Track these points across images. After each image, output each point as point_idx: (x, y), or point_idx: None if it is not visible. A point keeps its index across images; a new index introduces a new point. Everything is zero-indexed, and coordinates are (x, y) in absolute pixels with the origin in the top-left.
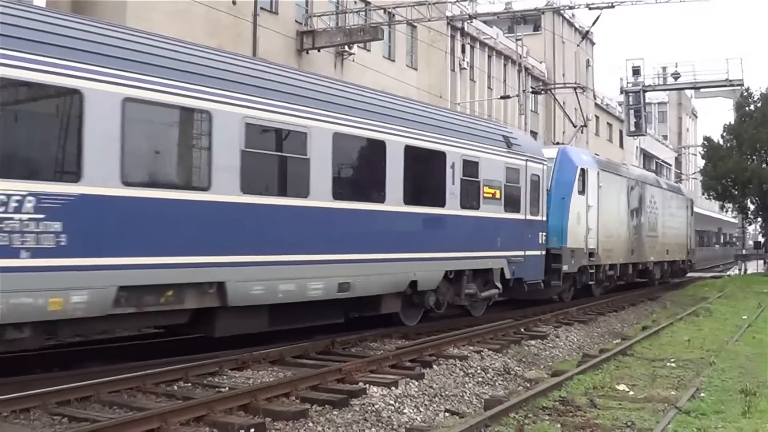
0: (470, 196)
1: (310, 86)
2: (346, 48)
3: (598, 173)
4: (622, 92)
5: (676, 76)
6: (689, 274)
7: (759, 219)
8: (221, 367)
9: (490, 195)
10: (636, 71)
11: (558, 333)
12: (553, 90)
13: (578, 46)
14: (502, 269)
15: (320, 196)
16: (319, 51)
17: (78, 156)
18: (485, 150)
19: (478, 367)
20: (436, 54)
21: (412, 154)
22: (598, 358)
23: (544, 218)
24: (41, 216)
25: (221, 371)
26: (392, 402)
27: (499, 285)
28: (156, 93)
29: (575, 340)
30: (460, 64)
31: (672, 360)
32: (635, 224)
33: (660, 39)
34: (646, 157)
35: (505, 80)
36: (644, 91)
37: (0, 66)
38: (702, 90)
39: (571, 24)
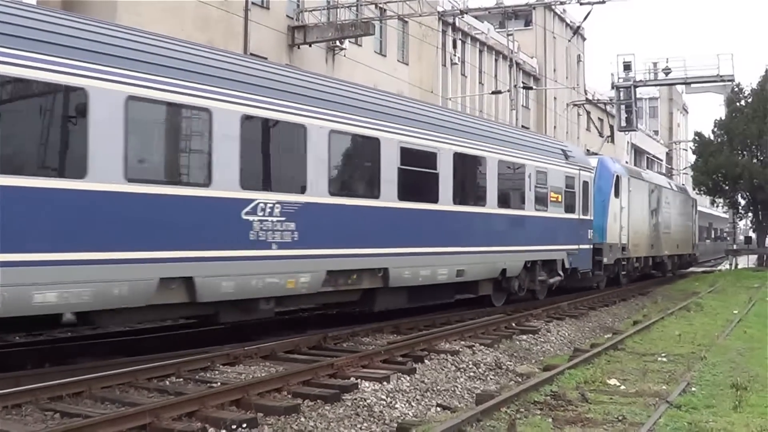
0: (541, 200)
1: (439, 116)
2: (338, 43)
3: (628, 179)
4: (613, 87)
5: (667, 71)
6: (691, 269)
7: (749, 214)
8: (213, 363)
9: (555, 199)
10: (627, 66)
11: (549, 328)
12: (585, 105)
13: (569, 41)
14: (563, 260)
15: (445, 202)
16: (310, 46)
17: (305, 173)
18: (551, 162)
19: (470, 362)
20: (427, 49)
21: (503, 167)
22: (589, 353)
23: (592, 218)
24: (283, 218)
25: (213, 366)
26: (384, 397)
27: (561, 273)
28: (347, 125)
29: (566, 334)
30: (451, 59)
31: (663, 354)
32: (654, 222)
33: (651, 34)
34: (637, 152)
35: (496, 75)
36: (635, 87)
37: (253, 107)
38: (693, 85)
39: (562, 19)
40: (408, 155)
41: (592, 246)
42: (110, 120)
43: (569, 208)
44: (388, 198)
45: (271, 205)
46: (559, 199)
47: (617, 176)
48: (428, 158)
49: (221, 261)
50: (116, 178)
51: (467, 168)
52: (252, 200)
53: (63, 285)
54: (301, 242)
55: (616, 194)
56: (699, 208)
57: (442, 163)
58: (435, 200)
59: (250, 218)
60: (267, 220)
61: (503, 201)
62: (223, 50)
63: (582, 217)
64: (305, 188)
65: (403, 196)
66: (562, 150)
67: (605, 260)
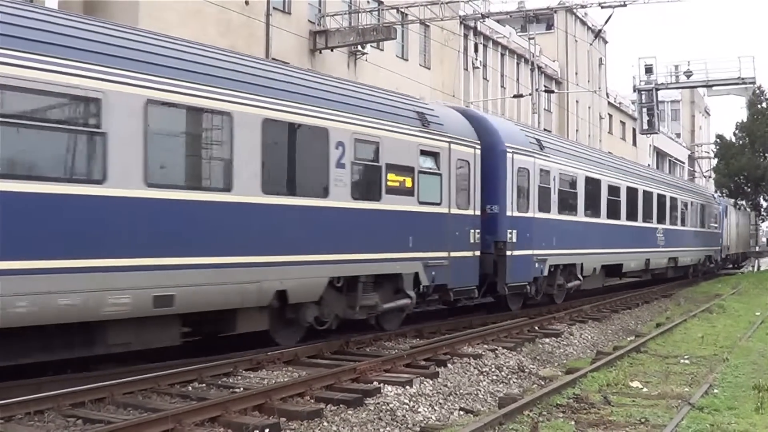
0: (709, 221)
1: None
2: (359, 48)
3: (729, 208)
4: (635, 90)
5: (688, 74)
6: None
7: None
8: (236, 368)
9: (713, 220)
10: (648, 70)
11: (572, 331)
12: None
13: (591, 44)
14: (713, 255)
15: (687, 226)
16: (332, 51)
17: (652, 213)
18: (710, 202)
19: (493, 366)
20: (449, 53)
21: (700, 207)
22: (612, 356)
23: (721, 231)
24: (662, 236)
25: (236, 372)
26: (407, 401)
27: (713, 262)
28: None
29: (589, 337)
30: (473, 63)
31: (685, 357)
32: (737, 232)
33: (672, 37)
34: (660, 155)
35: (518, 79)
36: (657, 90)
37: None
38: (714, 88)
39: (583, 23)
40: (677, 204)
41: (720, 247)
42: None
43: (716, 226)
44: (676, 225)
45: (660, 230)
46: (714, 221)
47: (726, 206)
48: (682, 207)
49: (629, 254)
50: (576, 214)
51: (696, 210)
52: (657, 228)
53: (557, 257)
54: (665, 245)
55: (725, 216)
56: None
57: (688, 208)
58: (684, 224)
59: (658, 235)
60: (660, 236)
61: (701, 224)
62: None
63: (719, 231)
64: (661, 221)
65: (670, 222)
66: (712, 195)
67: (724, 255)
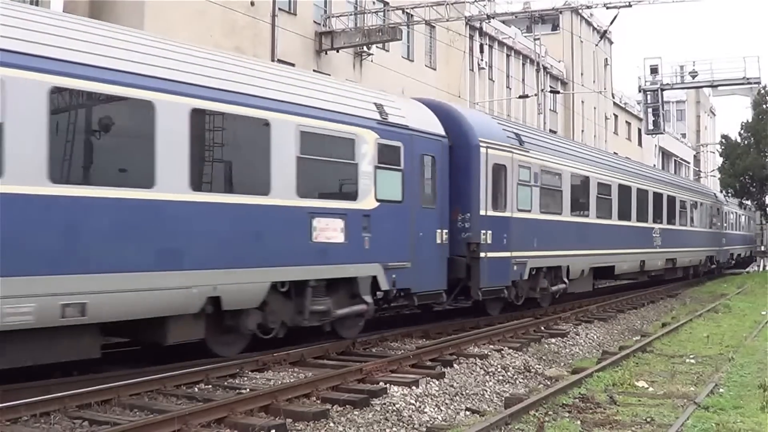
0: (742, 227)
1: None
2: (365, 48)
3: (764, 221)
4: (640, 91)
5: (693, 74)
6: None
7: None
8: (242, 369)
9: (751, 228)
10: (654, 70)
11: (578, 331)
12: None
13: (596, 45)
14: (752, 250)
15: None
16: (337, 52)
17: None
18: (753, 218)
19: (499, 366)
20: (454, 54)
21: (749, 220)
22: (617, 355)
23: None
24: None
25: (242, 373)
26: (413, 401)
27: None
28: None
29: (595, 337)
30: (478, 64)
31: (691, 356)
32: (763, 234)
33: (677, 37)
34: (665, 155)
35: (523, 79)
36: (662, 90)
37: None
38: (719, 88)
39: (589, 23)
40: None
41: (755, 245)
42: None
43: (752, 232)
44: (738, 231)
45: (736, 235)
46: (752, 229)
47: (762, 218)
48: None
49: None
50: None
51: (747, 221)
52: (736, 234)
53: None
54: (737, 244)
55: (764, 226)
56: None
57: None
58: (742, 230)
59: (736, 238)
60: (735, 239)
61: (742, 226)
62: None
63: (751, 234)
64: (736, 230)
65: (735, 230)
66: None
67: (756, 249)
